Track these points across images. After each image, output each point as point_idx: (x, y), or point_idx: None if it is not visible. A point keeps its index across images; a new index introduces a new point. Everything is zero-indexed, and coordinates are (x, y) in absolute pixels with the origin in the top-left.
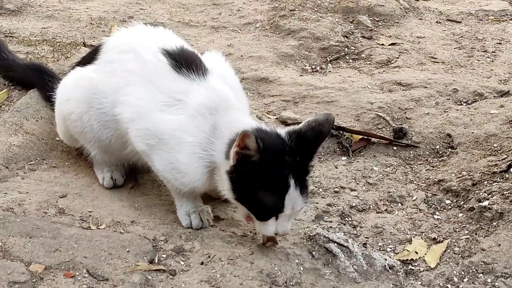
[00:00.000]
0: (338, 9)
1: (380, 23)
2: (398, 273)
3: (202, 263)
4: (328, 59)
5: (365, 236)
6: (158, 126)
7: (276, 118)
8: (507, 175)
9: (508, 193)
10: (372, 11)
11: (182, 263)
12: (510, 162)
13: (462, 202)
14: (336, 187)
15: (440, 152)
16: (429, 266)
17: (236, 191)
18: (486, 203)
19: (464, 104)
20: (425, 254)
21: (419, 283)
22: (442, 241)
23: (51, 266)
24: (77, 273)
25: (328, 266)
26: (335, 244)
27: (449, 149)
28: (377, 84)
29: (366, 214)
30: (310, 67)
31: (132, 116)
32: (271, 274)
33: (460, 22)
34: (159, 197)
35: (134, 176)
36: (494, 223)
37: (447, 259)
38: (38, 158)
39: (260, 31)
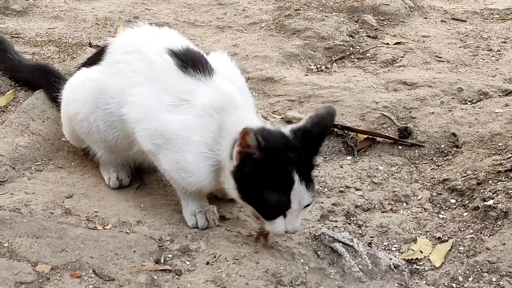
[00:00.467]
0: (343, 9)
1: (385, 22)
2: (403, 273)
3: (207, 263)
4: (333, 59)
5: (370, 236)
6: (165, 126)
7: (282, 118)
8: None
9: None
10: (377, 10)
11: (188, 263)
12: None
13: (467, 201)
14: (341, 187)
15: (445, 151)
16: (434, 266)
17: (242, 191)
18: (491, 202)
19: (469, 103)
20: (430, 253)
21: (424, 282)
22: (447, 240)
23: (58, 266)
24: (84, 273)
25: (333, 265)
26: (340, 244)
27: (454, 148)
28: (382, 83)
29: (371, 214)
30: (315, 67)
31: (139, 116)
32: (277, 274)
33: (465, 21)
34: (165, 197)
35: (140, 176)
36: (499, 222)
37: (452, 258)
38: (44, 159)
39: (265, 30)
